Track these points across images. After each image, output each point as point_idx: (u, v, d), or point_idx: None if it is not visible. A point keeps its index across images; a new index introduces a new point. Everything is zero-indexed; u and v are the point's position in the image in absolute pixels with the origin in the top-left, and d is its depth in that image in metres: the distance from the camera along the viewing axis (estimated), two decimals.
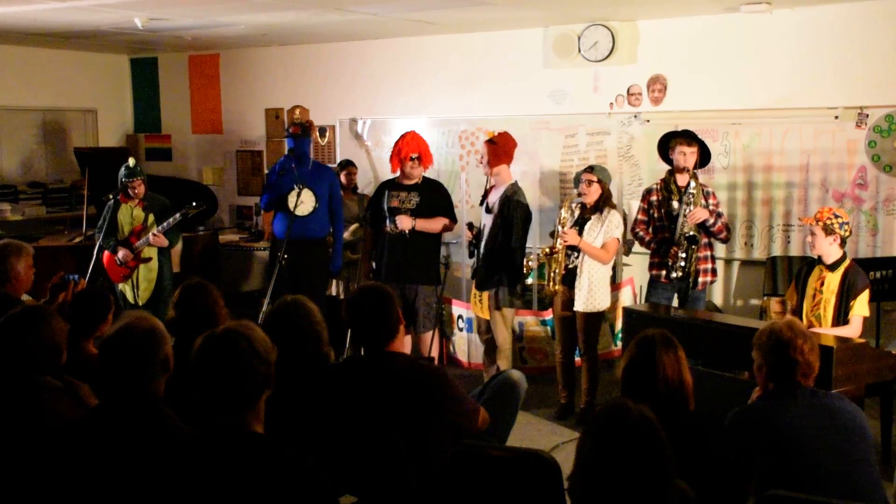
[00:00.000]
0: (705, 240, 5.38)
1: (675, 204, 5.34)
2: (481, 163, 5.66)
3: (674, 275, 5.37)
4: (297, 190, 5.99)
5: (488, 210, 5.67)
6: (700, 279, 5.37)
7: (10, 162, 9.00)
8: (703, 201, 5.33)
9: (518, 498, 2.86)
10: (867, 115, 6.06)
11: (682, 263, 5.35)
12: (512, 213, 5.49)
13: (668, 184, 5.42)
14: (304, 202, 6.04)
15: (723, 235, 5.41)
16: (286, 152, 6.30)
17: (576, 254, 5.41)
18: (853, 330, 4.59)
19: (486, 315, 5.65)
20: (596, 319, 5.52)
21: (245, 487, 2.29)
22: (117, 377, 2.67)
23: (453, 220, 5.90)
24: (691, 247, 5.31)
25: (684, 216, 5.28)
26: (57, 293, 4.29)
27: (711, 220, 5.30)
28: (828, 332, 4.53)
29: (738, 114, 6.52)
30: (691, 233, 5.29)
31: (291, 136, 6.25)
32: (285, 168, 6.19)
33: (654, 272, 5.50)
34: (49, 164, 9.26)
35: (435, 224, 5.80)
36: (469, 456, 2.93)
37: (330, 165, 7.92)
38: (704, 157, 5.45)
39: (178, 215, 6.17)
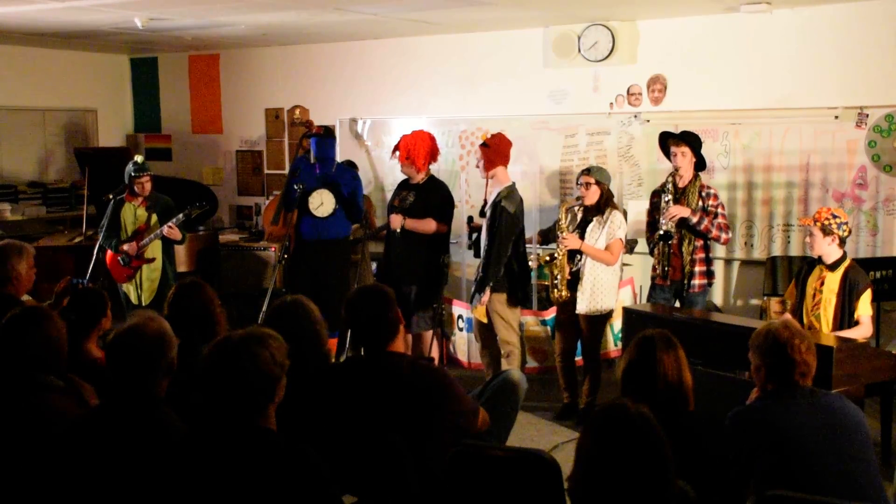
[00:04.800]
0: (699, 242, 5.36)
1: (664, 201, 5.33)
2: (477, 167, 5.61)
3: (656, 273, 5.38)
4: (297, 189, 6.01)
5: (482, 213, 5.61)
6: (695, 282, 5.34)
7: (11, 162, 9.01)
8: (700, 202, 5.32)
9: (518, 498, 2.86)
10: (867, 115, 6.06)
11: (659, 261, 5.35)
12: (498, 220, 5.37)
13: (666, 184, 5.41)
14: (324, 203, 6.03)
15: (713, 235, 5.28)
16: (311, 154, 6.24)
17: (579, 256, 5.39)
18: (864, 330, 4.59)
19: (483, 318, 5.60)
20: (599, 321, 5.49)
21: (247, 479, 2.31)
22: (122, 377, 2.69)
23: (443, 221, 5.83)
24: (668, 243, 5.30)
25: (663, 212, 5.28)
26: (62, 297, 4.29)
27: (694, 219, 5.22)
28: (841, 334, 4.51)
29: (738, 114, 6.52)
30: (664, 230, 5.27)
31: (314, 136, 6.11)
32: (301, 168, 6.16)
33: (651, 273, 5.51)
34: (49, 164, 9.27)
35: (424, 225, 5.76)
36: (469, 456, 2.94)
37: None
38: (702, 159, 5.43)
39: (181, 216, 6.17)
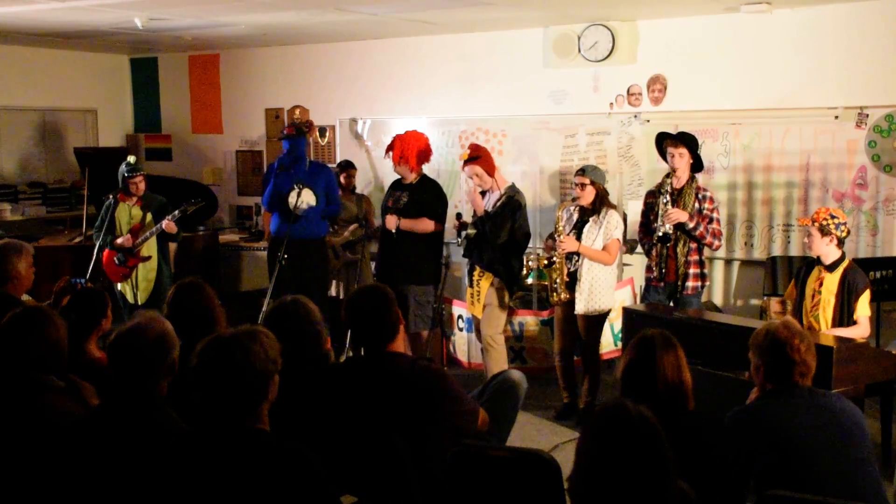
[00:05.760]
0: (694, 245, 5.35)
1: (662, 203, 5.33)
2: (480, 184, 5.59)
3: (653, 275, 5.38)
4: (297, 189, 6.04)
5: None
6: (689, 283, 5.34)
7: (10, 162, 9.01)
8: (696, 204, 5.31)
9: (518, 498, 2.86)
10: (867, 115, 6.06)
11: (657, 263, 5.35)
12: (511, 213, 5.45)
13: (661, 185, 5.41)
14: (304, 201, 6.07)
15: (706, 242, 5.29)
16: (288, 150, 6.35)
17: (576, 257, 5.39)
18: (862, 330, 4.59)
19: (479, 313, 5.62)
20: (597, 321, 5.49)
21: (244, 480, 2.31)
22: (123, 377, 2.69)
23: (437, 220, 5.86)
24: (664, 245, 5.30)
25: (662, 215, 5.28)
26: (62, 297, 4.30)
27: (691, 225, 5.23)
28: (839, 332, 4.51)
29: (738, 114, 6.52)
30: (663, 232, 5.27)
31: (286, 138, 6.30)
32: (283, 167, 6.24)
33: (646, 275, 5.51)
34: (49, 164, 9.27)
35: (419, 224, 5.79)
36: (469, 456, 2.93)
37: (329, 166, 7.96)
38: (699, 160, 5.43)
39: (176, 213, 6.18)
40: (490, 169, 5.54)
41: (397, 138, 5.89)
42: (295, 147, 6.27)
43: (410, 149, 5.79)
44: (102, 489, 2.56)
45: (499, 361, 5.53)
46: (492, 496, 2.90)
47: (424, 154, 5.89)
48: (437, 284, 5.90)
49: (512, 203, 5.47)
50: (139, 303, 6.21)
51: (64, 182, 9.17)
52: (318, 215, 6.25)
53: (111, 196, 6.23)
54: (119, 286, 6.29)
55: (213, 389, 2.39)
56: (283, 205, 6.16)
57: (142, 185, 6.23)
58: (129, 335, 2.72)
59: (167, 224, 6.11)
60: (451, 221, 5.89)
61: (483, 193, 5.67)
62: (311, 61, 8.60)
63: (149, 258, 6.24)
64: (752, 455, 2.87)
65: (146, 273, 6.26)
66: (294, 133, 6.32)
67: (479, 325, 5.71)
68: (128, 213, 6.24)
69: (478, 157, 5.53)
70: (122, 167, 6.21)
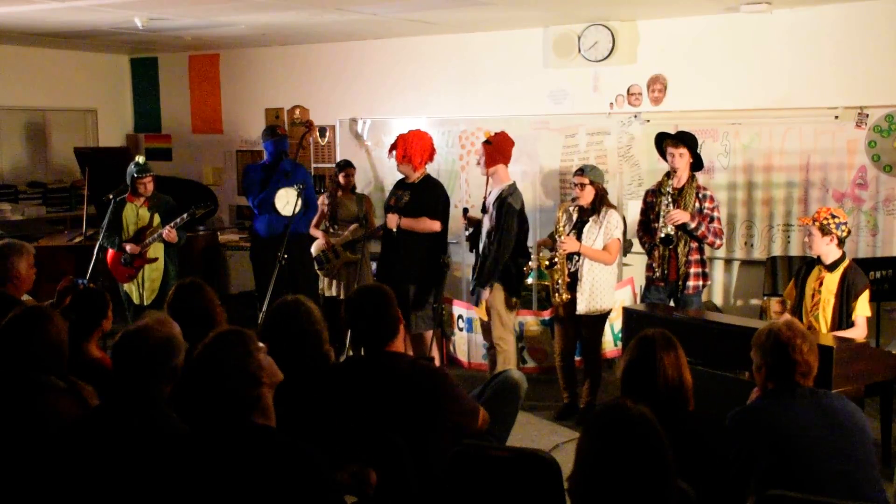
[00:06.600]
0: (694, 244, 5.36)
1: (664, 205, 5.33)
2: (478, 164, 5.64)
3: (655, 275, 5.38)
4: (297, 190, 6.08)
5: (484, 210, 5.65)
6: (690, 283, 5.34)
7: (10, 162, 9.01)
8: (697, 204, 5.31)
9: (518, 498, 2.86)
10: (867, 115, 6.06)
11: (659, 264, 5.35)
12: (505, 219, 5.42)
13: (661, 185, 5.41)
14: (289, 202, 6.19)
15: (708, 241, 5.31)
16: (280, 153, 6.42)
17: (577, 257, 5.39)
18: (859, 331, 4.59)
19: (484, 316, 5.63)
20: (598, 321, 5.50)
21: (247, 477, 2.31)
22: (124, 378, 2.68)
23: (438, 220, 5.86)
24: (667, 248, 5.31)
25: (664, 216, 5.28)
26: (64, 296, 4.30)
27: (693, 224, 5.24)
28: (835, 334, 4.51)
29: (738, 114, 6.52)
30: (665, 234, 5.27)
31: (282, 138, 6.39)
32: (276, 169, 6.31)
33: (647, 274, 5.51)
34: (49, 164, 9.27)
35: (419, 224, 5.79)
36: (469, 456, 2.94)
37: (328, 165, 8.01)
38: (699, 159, 5.43)
39: (185, 216, 6.19)
40: (491, 160, 5.52)
41: (400, 137, 5.90)
42: (283, 147, 6.42)
43: (413, 148, 5.81)
44: (102, 490, 2.56)
45: (508, 363, 5.53)
46: (492, 496, 2.90)
47: (428, 153, 5.89)
48: (438, 284, 5.91)
49: (504, 208, 5.42)
50: (144, 303, 6.21)
51: (64, 182, 9.17)
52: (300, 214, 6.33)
53: (111, 196, 6.23)
54: (124, 286, 6.29)
55: (205, 398, 2.42)
56: (268, 205, 6.25)
57: (150, 186, 6.25)
58: (134, 336, 2.72)
59: (167, 233, 6.11)
60: (456, 222, 5.90)
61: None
62: (311, 61, 8.60)
63: (155, 259, 6.25)
64: (753, 455, 2.87)
65: (151, 273, 6.27)
66: (286, 135, 6.41)
67: (484, 326, 5.71)
68: (135, 213, 6.26)
69: (490, 143, 5.55)
70: (131, 167, 6.22)
